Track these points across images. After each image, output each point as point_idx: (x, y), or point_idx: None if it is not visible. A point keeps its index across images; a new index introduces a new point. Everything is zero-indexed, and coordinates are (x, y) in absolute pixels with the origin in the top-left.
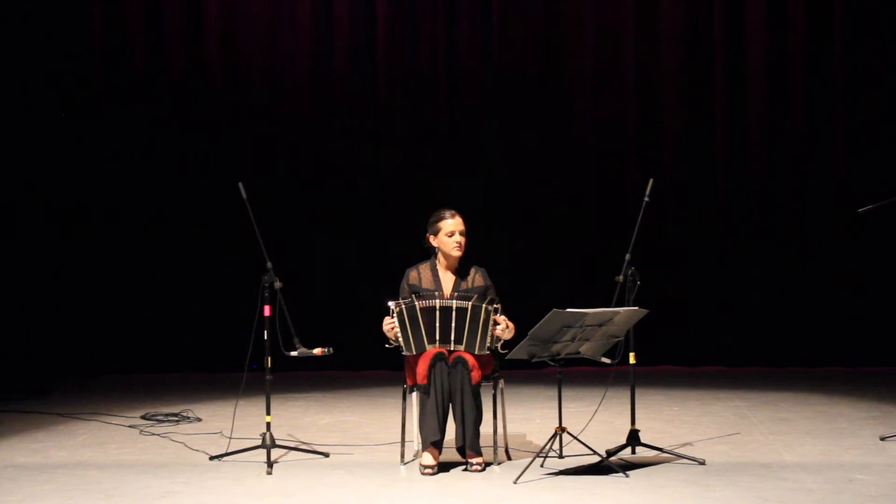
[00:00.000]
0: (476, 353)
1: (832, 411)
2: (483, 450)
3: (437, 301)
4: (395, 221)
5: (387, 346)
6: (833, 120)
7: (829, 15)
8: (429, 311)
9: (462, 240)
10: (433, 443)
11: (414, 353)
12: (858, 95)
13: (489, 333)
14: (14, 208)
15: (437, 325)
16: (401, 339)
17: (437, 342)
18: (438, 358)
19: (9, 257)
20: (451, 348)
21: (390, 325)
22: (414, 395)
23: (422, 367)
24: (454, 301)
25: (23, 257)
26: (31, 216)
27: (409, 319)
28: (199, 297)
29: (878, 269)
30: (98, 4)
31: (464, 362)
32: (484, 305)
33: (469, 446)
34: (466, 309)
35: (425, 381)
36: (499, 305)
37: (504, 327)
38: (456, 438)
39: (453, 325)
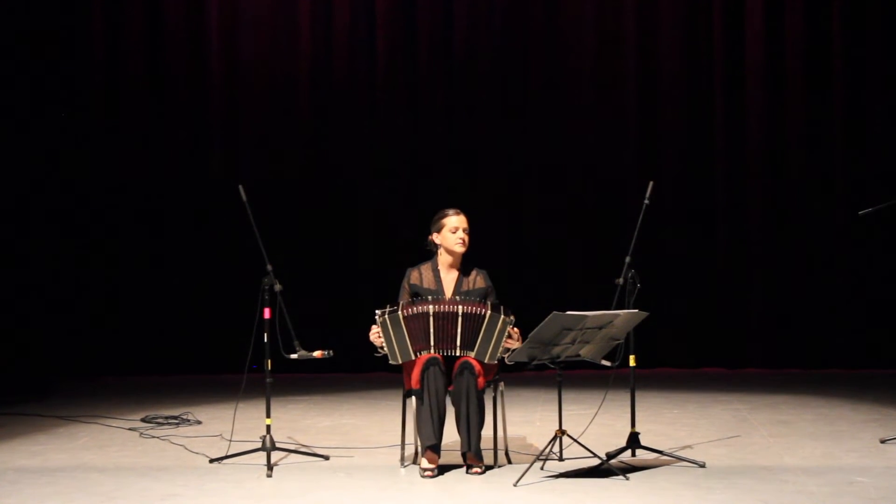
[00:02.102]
0: (486, 361)
1: (832, 414)
2: (483, 453)
3: (431, 307)
4: (395, 222)
5: (376, 354)
6: (833, 120)
7: (829, 15)
8: (418, 318)
9: (465, 237)
10: (431, 447)
11: (399, 361)
12: (858, 96)
13: (501, 345)
14: (13, 209)
15: (432, 330)
16: (385, 348)
17: (432, 348)
18: (431, 363)
19: (9, 258)
20: (458, 353)
21: (375, 334)
22: (413, 398)
23: (415, 373)
24: (460, 306)
25: (23, 259)
26: (31, 217)
27: (393, 328)
28: (200, 298)
29: (877, 271)
30: (98, 5)
31: (470, 368)
32: (502, 317)
33: (472, 451)
34: (483, 316)
35: (418, 387)
36: (513, 318)
37: (515, 340)
38: (461, 444)
39: (459, 329)
